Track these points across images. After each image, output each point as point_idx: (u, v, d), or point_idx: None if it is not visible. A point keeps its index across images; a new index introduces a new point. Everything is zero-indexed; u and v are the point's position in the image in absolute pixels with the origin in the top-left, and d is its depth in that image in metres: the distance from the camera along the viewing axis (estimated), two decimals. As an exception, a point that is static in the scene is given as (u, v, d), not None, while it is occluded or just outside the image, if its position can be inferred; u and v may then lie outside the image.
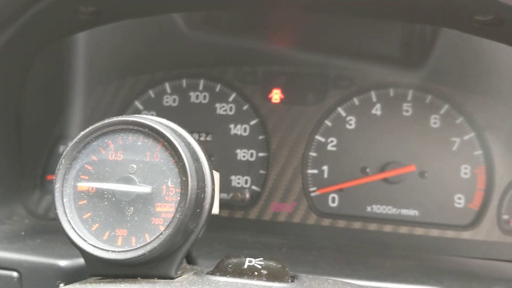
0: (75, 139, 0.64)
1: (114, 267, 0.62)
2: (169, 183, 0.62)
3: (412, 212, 1.21)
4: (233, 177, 1.27)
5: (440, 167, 1.22)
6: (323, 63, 1.28)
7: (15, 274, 0.82)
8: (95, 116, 1.30)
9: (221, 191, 1.26)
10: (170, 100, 1.32)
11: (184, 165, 0.61)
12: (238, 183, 1.27)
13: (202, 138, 1.29)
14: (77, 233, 0.62)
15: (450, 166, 1.22)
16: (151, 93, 1.33)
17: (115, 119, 0.64)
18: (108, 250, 0.61)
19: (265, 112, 1.28)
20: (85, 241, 0.62)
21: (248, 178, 1.26)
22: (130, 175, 0.63)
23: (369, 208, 1.22)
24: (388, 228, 1.20)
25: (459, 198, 1.21)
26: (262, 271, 0.64)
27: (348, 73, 1.27)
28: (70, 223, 0.63)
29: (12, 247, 0.87)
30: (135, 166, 0.63)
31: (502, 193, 1.19)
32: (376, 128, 1.25)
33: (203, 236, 0.66)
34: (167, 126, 0.65)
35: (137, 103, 1.33)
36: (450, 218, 1.20)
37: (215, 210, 0.69)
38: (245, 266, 0.65)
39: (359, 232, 1.20)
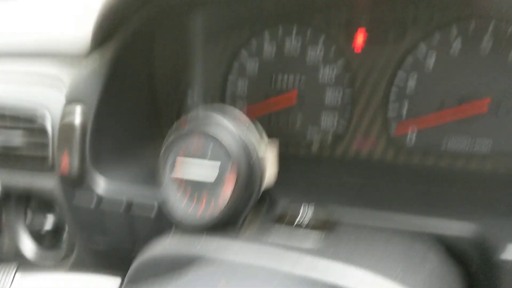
0: (167, 144, 0.94)
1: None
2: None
3: (485, 145, 1.28)
4: (323, 114, 1.47)
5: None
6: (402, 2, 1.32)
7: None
8: (213, 62, 1.57)
9: (310, 125, 1.48)
10: (269, 46, 1.52)
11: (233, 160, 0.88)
12: (328, 121, 1.46)
13: (297, 78, 1.48)
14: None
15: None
16: (254, 41, 1.54)
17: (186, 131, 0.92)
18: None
19: (350, 51, 1.41)
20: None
21: (337, 114, 1.45)
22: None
23: (444, 144, 1.33)
24: (460, 163, 1.30)
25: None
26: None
27: (427, 9, 1.30)
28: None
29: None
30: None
31: None
32: (456, 63, 1.30)
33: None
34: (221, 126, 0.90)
35: (243, 51, 1.55)
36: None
37: (270, 180, 0.95)
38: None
39: (432, 168, 1.33)
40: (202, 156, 0.90)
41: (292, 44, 1.48)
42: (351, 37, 1.40)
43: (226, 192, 0.88)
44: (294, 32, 1.47)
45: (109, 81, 1.29)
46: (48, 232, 1.55)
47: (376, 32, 1.37)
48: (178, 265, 0.86)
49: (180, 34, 1.43)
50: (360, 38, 1.39)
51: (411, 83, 1.35)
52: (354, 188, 1.22)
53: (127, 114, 1.42)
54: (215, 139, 0.88)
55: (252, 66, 1.54)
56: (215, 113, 0.92)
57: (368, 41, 1.38)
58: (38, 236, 1.59)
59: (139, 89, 1.44)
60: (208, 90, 1.59)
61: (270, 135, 1.50)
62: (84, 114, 1.27)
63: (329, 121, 1.46)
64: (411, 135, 1.36)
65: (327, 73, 1.44)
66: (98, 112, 1.28)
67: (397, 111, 1.36)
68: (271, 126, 1.51)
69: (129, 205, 1.23)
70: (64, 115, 1.29)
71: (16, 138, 1.40)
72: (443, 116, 1.31)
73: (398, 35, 1.34)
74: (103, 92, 1.28)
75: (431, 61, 1.32)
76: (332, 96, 1.44)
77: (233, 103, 1.58)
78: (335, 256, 0.79)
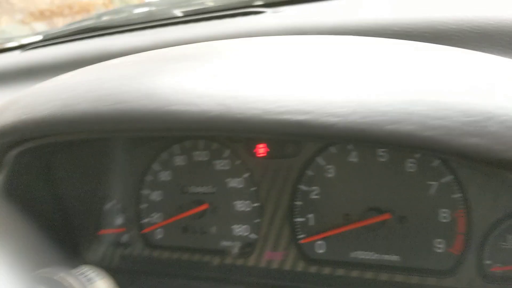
0: None
1: None
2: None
3: (393, 258, 1.26)
4: (234, 227, 1.45)
5: (419, 211, 1.23)
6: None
7: None
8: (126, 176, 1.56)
9: (224, 239, 1.46)
10: (179, 160, 1.52)
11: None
12: (239, 231, 1.44)
13: (208, 190, 1.47)
14: None
15: (428, 210, 1.22)
16: (165, 154, 1.54)
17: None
18: None
19: (254, 165, 1.40)
20: None
21: (248, 226, 1.43)
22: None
23: (353, 254, 1.30)
24: (369, 274, 1.27)
25: (439, 243, 1.21)
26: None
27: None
28: None
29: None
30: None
31: (483, 237, 1.17)
32: (355, 175, 1.29)
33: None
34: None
35: (154, 166, 1.55)
36: (431, 263, 1.22)
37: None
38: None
39: (342, 279, 1.30)
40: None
41: (200, 157, 1.47)
42: (253, 152, 1.39)
43: None
44: (201, 146, 1.47)
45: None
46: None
47: (275, 147, 1.37)
48: None
49: (84, 159, 1.43)
50: (261, 152, 1.38)
51: (314, 196, 1.33)
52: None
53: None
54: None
55: (164, 178, 1.53)
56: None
57: (269, 156, 1.37)
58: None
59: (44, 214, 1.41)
60: (124, 205, 1.57)
61: (186, 244, 1.50)
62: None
63: (240, 232, 1.43)
64: (320, 246, 1.33)
65: (234, 186, 1.43)
66: None
67: (304, 223, 1.34)
68: (187, 236, 1.49)
69: None
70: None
71: None
72: (349, 229, 1.28)
73: (295, 149, 1.34)
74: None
75: (331, 174, 1.31)
76: (240, 208, 1.42)
77: (148, 216, 1.55)
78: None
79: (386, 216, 1.23)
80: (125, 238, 1.57)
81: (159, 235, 1.55)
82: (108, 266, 1.39)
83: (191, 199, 1.48)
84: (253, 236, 1.41)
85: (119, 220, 1.58)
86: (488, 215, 1.15)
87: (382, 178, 1.25)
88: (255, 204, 1.40)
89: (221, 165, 1.45)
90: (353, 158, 1.29)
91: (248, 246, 1.42)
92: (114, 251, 1.57)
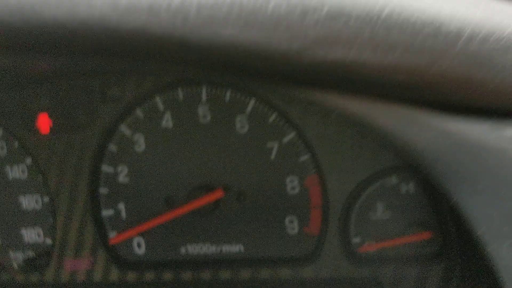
0: None
1: None
2: None
3: (234, 248, 0.94)
4: (24, 231, 1.03)
5: (260, 184, 0.91)
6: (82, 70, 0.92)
7: None
8: None
9: (13, 249, 1.04)
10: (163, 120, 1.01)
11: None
12: (31, 237, 1.03)
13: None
14: None
15: (272, 180, 0.90)
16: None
17: None
18: None
19: (35, 147, 0.98)
20: None
21: (40, 229, 1.02)
22: None
23: (183, 250, 0.96)
24: (206, 274, 0.94)
25: (291, 222, 0.91)
26: None
27: (116, 79, 0.91)
28: None
29: None
30: None
31: (345, 208, 0.88)
32: (172, 145, 0.93)
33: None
34: None
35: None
36: (284, 250, 0.92)
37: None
38: None
39: (172, 285, 0.96)
40: None
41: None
42: (34, 128, 0.97)
43: None
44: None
45: None
46: None
47: (60, 117, 0.95)
48: None
49: None
50: (43, 127, 0.96)
51: (122, 179, 0.95)
52: None
53: None
54: None
55: None
56: None
57: (54, 130, 0.96)
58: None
59: None
60: None
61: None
62: None
63: (31, 238, 1.02)
64: (138, 245, 0.98)
65: (16, 177, 1.00)
66: None
67: (113, 217, 0.97)
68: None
69: None
70: None
71: None
72: (172, 217, 0.93)
73: (87, 116, 0.94)
74: None
75: (141, 147, 0.93)
76: (28, 205, 1.01)
77: None
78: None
79: (218, 194, 0.90)
80: None
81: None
82: None
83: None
84: (48, 241, 1.01)
85: None
86: (348, 179, 0.87)
87: (207, 145, 0.91)
88: (45, 199, 0.99)
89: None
90: (167, 122, 0.92)
91: (44, 255, 1.02)
92: None
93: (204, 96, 0.90)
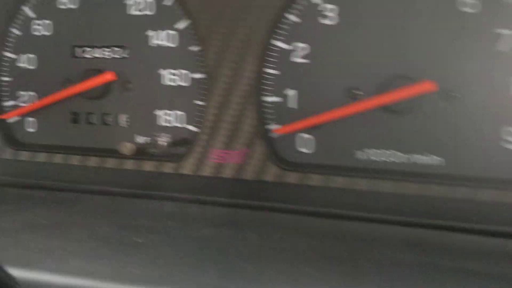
0: None
1: None
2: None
3: (430, 159, 0.76)
4: (158, 112, 0.87)
5: (476, 80, 0.72)
6: None
7: None
8: None
9: (142, 133, 0.88)
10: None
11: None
12: (167, 120, 0.87)
13: (114, 55, 0.87)
14: None
15: (493, 78, 0.72)
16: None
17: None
18: None
19: (198, 7, 0.82)
20: None
21: (179, 112, 0.86)
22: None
23: (360, 154, 0.79)
24: (388, 185, 0.76)
25: (509, 133, 0.73)
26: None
27: None
28: None
29: None
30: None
31: None
32: (372, 22, 0.75)
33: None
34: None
35: (27, 10, 0.92)
36: (493, 169, 0.73)
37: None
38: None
39: (342, 194, 0.78)
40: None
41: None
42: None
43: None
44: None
45: None
46: None
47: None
48: None
49: None
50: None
51: (300, 59, 0.78)
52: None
53: None
54: None
55: (40, 32, 0.91)
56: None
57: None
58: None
59: None
60: None
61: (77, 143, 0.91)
62: None
63: (169, 121, 0.86)
64: (303, 142, 0.80)
65: (162, 42, 0.85)
66: None
67: (275, 104, 0.80)
68: (78, 129, 0.90)
69: None
70: None
71: None
72: (355, 111, 0.76)
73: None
74: None
75: (331, 21, 0.76)
76: (172, 81, 0.85)
77: (11, 95, 0.93)
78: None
79: (425, 87, 0.72)
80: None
81: (30, 127, 0.95)
82: None
83: (86, 67, 0.88)
84: (191, 128, 0.85)
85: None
86: None
87: (420, 26, 0.73)
88: (197, 76, 0.83)
89: (138, 6, 0.86)
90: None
91: (182, 143, 0.85)
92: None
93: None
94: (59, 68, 0.92)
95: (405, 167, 0.77)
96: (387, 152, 0.77)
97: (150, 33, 0.86)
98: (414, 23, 0.74)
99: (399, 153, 0.77)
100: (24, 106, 0.92)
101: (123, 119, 0.89)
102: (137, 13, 0.87)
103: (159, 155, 0.86)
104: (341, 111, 0.77)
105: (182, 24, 0.84)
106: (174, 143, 0.85)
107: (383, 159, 0.78)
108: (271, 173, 0.81)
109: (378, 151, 0.78)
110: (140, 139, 0.88)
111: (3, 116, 0.93)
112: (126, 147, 0.85)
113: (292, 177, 0.80)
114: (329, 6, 0.77)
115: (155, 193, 0.83)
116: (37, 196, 0.85)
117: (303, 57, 0.79)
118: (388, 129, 0.77)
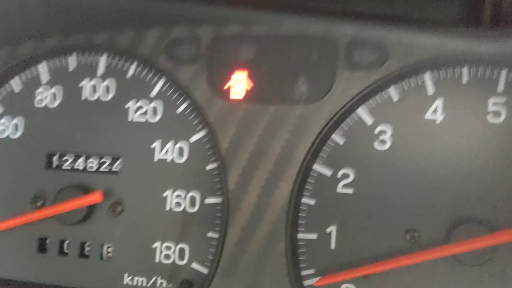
0: None
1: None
2: None
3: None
4: (158, 245, 0.67)
5: None
6: (324, 23, 0.63)
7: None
8: None
9: (133, 272, 0.67)
10: (46, 96, 0.72)
11: None
12: (167, 256, 0.67)
13: (103, 168, 0.69)
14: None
15: None
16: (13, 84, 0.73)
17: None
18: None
19: (217, 116, 0.66)
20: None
21: (186, 246, 0.66)
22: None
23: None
24: None
25: None
26: None
27: (376, 37, 0.62)
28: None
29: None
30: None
31: None
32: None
33: None
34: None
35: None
36: None
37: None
38: None
39: None
40: None
41: (94, 95, 0.71)
42: (218, 87, 0.66)
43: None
44: (100, 68, 0.70)
45: None
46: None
47: (268, 80, 0.65)
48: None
49: None
50: (237, 90, 0.66)
51: (345, 189, 0.63)
52: None
53: None
54: None
55: (11, 134, 0.72)
56: None
57: (253, 96, 0.65)
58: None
59: None
60: None
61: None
62: None
63: (170, 257, 0.67)
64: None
65: (169, 157, 0.67)
66: None
67: (316, 245, 0.64)
68: (46, 261, 0.69)
69: None
70: None
71: None
72: (417, 260, 0.60)
73: (316, 88, 0.64)
74: None
75: (384, 145, 0.62)
76: (176, 204, 0.67)
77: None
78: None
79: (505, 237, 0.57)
80: None
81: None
82: None
83: (66, 181, 0.69)
84: (198, 267, 0.65)
85: None
86: None
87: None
88: (212, 200, 0.66)
89: (141, 112, 0.70)
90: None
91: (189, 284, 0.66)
92: None
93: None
94: (27, 182, 0.72)
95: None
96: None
97: (154, 144, 0.69)
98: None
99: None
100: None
101: (108, 251, 0.69)
102: (140, 120, 0.70)
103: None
104: (401, 260, 0.60)
105: (196, 136, 0.68)
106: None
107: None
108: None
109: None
110: (130, 280, 0.67)
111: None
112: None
113: None
114: (382, 126, 0.63)
115: None
116: None
117: (348, 187, 0.64)
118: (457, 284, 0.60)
